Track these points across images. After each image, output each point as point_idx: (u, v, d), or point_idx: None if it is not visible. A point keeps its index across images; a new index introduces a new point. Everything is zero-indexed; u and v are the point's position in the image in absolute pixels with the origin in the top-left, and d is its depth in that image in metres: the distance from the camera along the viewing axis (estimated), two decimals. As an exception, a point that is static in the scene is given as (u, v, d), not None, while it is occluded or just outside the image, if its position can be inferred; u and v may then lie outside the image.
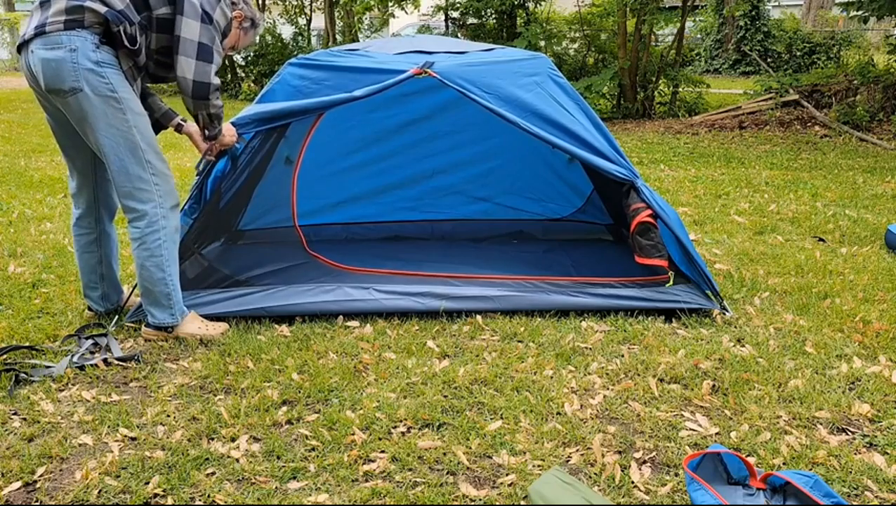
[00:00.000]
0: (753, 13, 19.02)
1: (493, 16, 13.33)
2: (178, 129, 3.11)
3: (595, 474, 2.13)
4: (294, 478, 2.10)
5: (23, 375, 2.65)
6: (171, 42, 2.74)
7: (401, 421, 2.38)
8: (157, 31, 2.74)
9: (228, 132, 3.07)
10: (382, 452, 2.21)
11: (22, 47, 2.68)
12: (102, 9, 2.59)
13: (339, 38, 15.04)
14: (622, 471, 2.13)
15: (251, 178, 3.34)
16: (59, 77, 2.60)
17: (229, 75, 16.49)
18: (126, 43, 2.63)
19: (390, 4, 13.53)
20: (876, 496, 2.03)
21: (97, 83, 2.62)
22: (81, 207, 3.04)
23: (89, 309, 3.21)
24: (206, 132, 2.97)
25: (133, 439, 2.30)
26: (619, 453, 2.23)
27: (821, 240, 4.57)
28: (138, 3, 2.68)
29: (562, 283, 3.36)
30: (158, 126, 3.05)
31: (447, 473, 2.13)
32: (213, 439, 2.29)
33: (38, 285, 3.65)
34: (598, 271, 3.50)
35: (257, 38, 3.07)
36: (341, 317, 3.19)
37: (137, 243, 2.82)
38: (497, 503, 2.00)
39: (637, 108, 11.21)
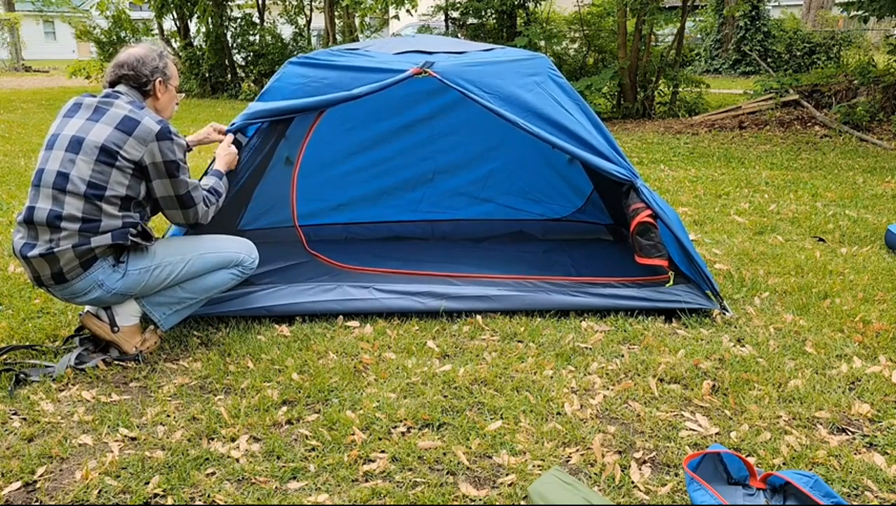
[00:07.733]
0: (753, 13, 19.04)
1: (493, 16, 13.33)
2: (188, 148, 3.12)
3: (595, 474, 2.13)
4: (294, 478, 2.10)
5: (23, 375, 2.65)
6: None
7: (401, 421, 2.38)
8: (150, 203, 2.77)
9: (229, 153, 3.09)
10: (382, 452, 2.21)
11: (26, 263, 2.64)
12: (108, 240, 2.60)
13: (339, 37, 15.05)
14: (622, 471, 2.13)
15: (251, 178, 3.34)
16: (99, 301, 2.76)
17: (229, 75, 16.50)
18: (143, 242, 2.68)
19: (391, 8, 13.53)
20: (876, 496, 2.03)
21: (131, 283, 2.71)
22: None
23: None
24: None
25: (133, 439, 2.30)
26: (619, 453, 2.23)
27: (821, 240, 4.57)
28: (126, 203, 2.65)
29: (562, 283, 3.36)
30: None
31: (447, 473, 2.13)
32: (213, 439, 2.29)
33: (38, 285, 3.65)
34: (598, 271, 3.50)
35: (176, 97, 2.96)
36: (341, 317, 3.19)
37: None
38: (497, 503, 2.00)
39: (637, 108, 11.21)
